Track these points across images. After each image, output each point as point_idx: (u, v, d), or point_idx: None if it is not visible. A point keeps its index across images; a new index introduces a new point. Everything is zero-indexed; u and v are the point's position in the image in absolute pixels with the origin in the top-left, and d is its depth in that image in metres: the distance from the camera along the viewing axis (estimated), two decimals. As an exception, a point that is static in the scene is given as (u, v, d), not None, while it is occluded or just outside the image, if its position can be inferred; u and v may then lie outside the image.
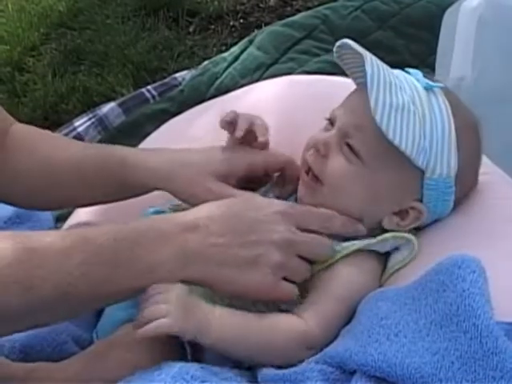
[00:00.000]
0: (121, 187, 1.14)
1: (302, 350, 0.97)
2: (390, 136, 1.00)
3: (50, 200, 1.21)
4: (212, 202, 1.00)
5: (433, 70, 1.66)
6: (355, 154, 1.05)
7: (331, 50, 1.89)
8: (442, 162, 1.04)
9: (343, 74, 1.68)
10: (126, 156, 1.13)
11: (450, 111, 1.05)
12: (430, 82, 1.06)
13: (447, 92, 1.08)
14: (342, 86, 1.35)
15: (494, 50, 1.46)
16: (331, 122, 1.10)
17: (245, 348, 0.96)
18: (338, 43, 1.09)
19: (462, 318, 0.79)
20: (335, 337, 0.97)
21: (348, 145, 1.05)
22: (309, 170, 1.08)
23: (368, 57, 1.03)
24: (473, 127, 1.09)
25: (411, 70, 1.09)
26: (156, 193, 1.16)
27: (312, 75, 1.54)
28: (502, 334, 0.76)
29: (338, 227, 1.03)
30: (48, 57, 2.68)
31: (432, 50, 1.72)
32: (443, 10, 1.70)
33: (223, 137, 1.16)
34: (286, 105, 1.34)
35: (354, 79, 1.14)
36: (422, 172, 1.04)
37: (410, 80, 1.06)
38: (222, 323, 0.94)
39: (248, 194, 1.09)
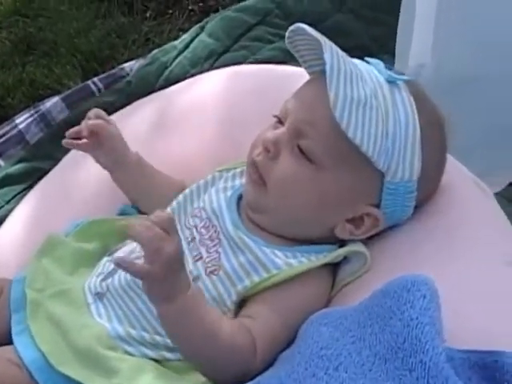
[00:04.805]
0: None
1: (239, 372, 0.89)
2: (350, 134, 0.89)
3: None
4: None
5: (394, 55, 1.56)
6: (307, 157, 0.94)
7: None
8: (405, 165, 0.93)
9: (297, 62, 1.57)
10: None
11: (414, 108, 0.94)
12: (393, 74, 0.95)
13: (413, 85, 0.97)
14: (290, 76, 1.26)
15: (456, 35, 1.34)
16: (280, 119, 0.99)
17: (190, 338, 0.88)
18: (291, 27, 0.98)
19: (408, 352, 0.68)
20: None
21: (299, 147, 0.95)
22: (256, 170, 0.98)
23: (327, 43, 0.92)
24: (439, 125, 0.98)
25: (372, 60, 0.98)
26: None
27: (260, 65, 1.43)
28: (452, 374, 0.65)
29: None
30: (-3, 47, 2.55)
31: (393, 34, 1.61)
32: (404, -9, 1.59)
33: (165, 132, 1.11)
34: (228, 99, 1.25)
35: (307, 68, 1.03)
36: (382, 175, 0.94)
37: (372, 71, 0.95)
38: (187, 305, 0.86)
39: None
